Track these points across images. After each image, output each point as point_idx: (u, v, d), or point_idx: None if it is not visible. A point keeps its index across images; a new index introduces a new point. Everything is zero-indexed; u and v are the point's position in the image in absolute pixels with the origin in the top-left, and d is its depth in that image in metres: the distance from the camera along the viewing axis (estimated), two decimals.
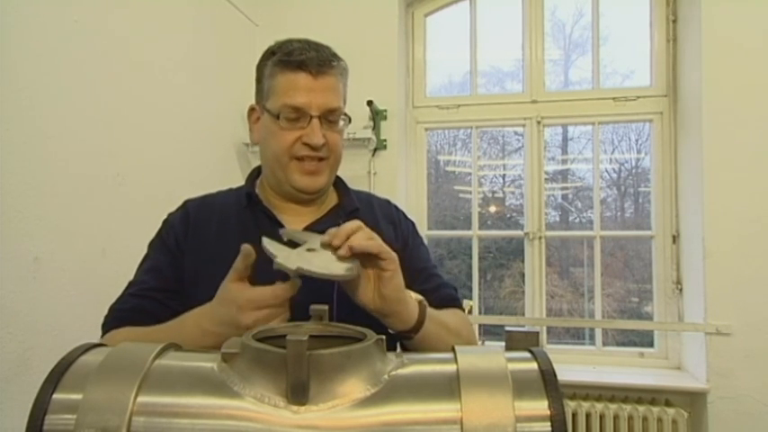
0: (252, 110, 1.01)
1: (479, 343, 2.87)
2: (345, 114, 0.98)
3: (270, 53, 0.96)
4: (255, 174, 1.06)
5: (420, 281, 0.99)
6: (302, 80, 0.91)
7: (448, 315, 0.95)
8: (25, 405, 0.50)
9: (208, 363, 0.54)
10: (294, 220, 0.97)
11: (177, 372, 0.53)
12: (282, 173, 0.95)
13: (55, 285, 1.56)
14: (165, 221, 1.03)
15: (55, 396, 0.50)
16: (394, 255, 0.79)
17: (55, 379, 0.51)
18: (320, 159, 0.94)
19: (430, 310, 0.85)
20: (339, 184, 1.07)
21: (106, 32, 1.78)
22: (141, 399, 0.49)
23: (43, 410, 0.49)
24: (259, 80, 0.98)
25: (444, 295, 1.02)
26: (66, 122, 1.62)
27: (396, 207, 1.13)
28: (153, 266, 0.97)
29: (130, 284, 0.98)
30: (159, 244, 1.00)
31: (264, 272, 0.79)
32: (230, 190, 1.08)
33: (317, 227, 0.95)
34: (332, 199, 1.05)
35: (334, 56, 0.95)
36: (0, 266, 1.40)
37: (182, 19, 2.21)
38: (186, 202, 1.05)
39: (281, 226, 0.96)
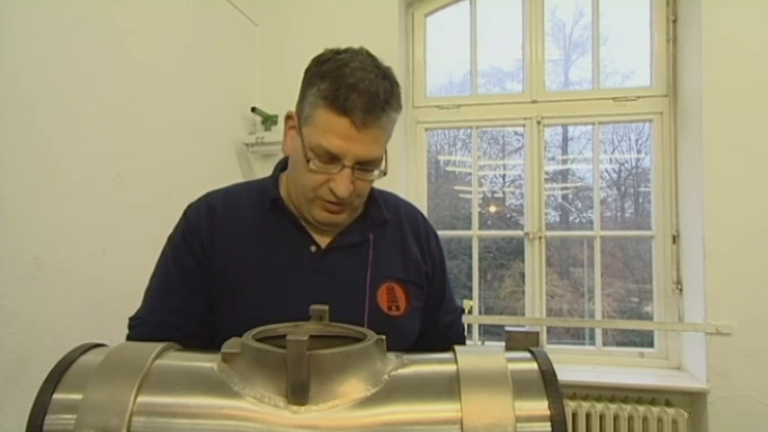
0: (289, 117, 0.91)
1: (479, 343, 2.87)
2: (382, 162, 0.89)
3: (320, 74, 0.84)
4: (280, 167, 0.99)
5: (444, 312, 1.02)
6: (344, 127, 0.81)
7: None
8: (25, 405, 0.50)
9: (208, 363, 0.54)
10: (322, 231, 0.94)
11: (177, 372, 0.53)
12: (305, 205, 0.90)
13: (55, 285, 1.56)
14: (186, 219, 0.94)
15: (55, 396, 0.50)
16: None
17: (55, 379, 0.51)
18: (339, 204, 0.88)
19: None
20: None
21: (106, 32, 1.78)
22: (141, 399, 0.49)
23: (43, 410, 0.49)
24: (302, 92, 0.88)
25: (452, 335, 1.03)
26: (67, 123, 1.62)
27: (423, 219, 1.08)
28: (183, 308, 0.88)
29: (151, 316, 0.88)
30: (183, 251, 0.90)
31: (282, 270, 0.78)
32: (252, 185, 1.00)
33: (345, 238, 0.93)
34: None
35: (387, 102, 0.84)
36: (0, 266, 1.40)
37: (182, 19, 2.21)
38: (208, 197, 0.97)
39: (311, 239, 0.92)
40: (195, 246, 0.90)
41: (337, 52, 0.86)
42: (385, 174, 0.90)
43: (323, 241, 0.93)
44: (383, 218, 0.98)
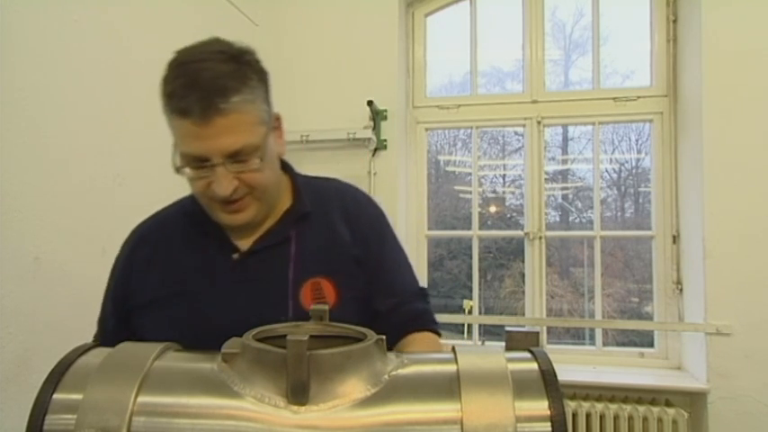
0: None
1: (479, 343, 2.87)
2: (272, 123, 0.86)
3: (163, 80, 0.81)
4: None
5: (383, 296, 0.93)
6: (191, 128, 0.78)
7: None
8: (25, 405, 0.50)
9: (208, 363, 0.54)
10: (243, 234, 0.92)
11: (177, 372, 0.53)
12: (210, 213, 0.88)
13: (55, 285, 1.55)
14: (117, 258, 1.00)
15: (55, 396, 0.50)
16: None
17: (55, 379, 0.51)
18: (237, 201, 0.84)
19: None
20: (293, 178, 0.98)
21: (106, 32, 1.78)
22: (141, 399, 0.49)
23: (43, 410, 0.49)
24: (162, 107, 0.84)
25: (408, 317, 0.94)
26: (66, 122, 1.62)
27: (357, 196, 1.02)
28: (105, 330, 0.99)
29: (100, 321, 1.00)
30: (112, 276, 1.00)
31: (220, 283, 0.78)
32: (179, 204, 1.01)
33: (268, 240, 0.91)
34: (285, 198, 0.96)
35: (229, 87, 0.77)
36: (0, 266, 1.40)
37: (182, 19, 2.21)
38: (134, 234, 1.01)
39: (232, 247, 0.91)
40: (117, 291, 0.97)
41: (181, 51, 0.82)
42: (277, 127, 0.88)
43: (245, 246, 0.91)
44: (303, 210, 0.94)
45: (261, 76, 0.84)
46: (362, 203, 1.01)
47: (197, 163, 0.81)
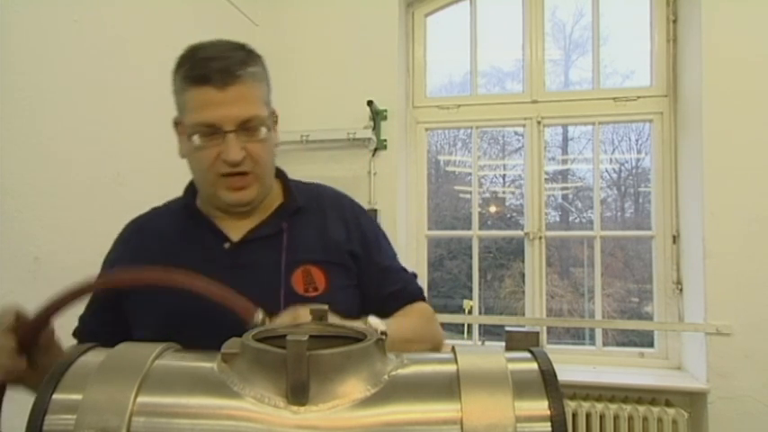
0: (176, 123, 0.97)
1: (479, 343, 2.87)
2: (271, 117, 0.93)
3: (178, 64, 0.91)
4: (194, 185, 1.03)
5: (384, 283, 1.00)
6: (209, 95, 0.85)
7: (410, 322, 0.95)
8: (25, 405, 0.50)
9: (208, 363, 0.54)
10: (236, 226, 0.95)
11: (177, 372, 0.53)
12: (211, 189, 0.92)
13: (55, 285, 1.55)
14: (109, 251, 1.03)
15: (55, 396, 0.50)
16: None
17: (55, 379, 0.51)
18: (245, 173, 0.89)
19: (391, 337, 0.70)
20: (285, 180, 1.03)
21: (106, 32, 1.78)
22: (141, 399, 0.49)
23: (43, 411, 0.49)
24: (174, 93, 0.93)
25: (408, 294, 1.02)
26: (66, 122, 1.62)
27: (349, 202, 1.07)
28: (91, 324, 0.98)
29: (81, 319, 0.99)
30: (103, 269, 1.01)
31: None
32: (173, 202, 1.05)
33: (260, 231, 0.94)
34: (276, 198, 1.00)
35: (244, 61, 0.88)
36: (0, 266, 1.40)
37: (182, 19, 2.21)
38: (129, 226, 1.04)
39: (224, 237, 0.94)
40: (110, 260, 1.00)
41: (191, 46, 0.92)
42: (276, 122, 0.95)
43: (237, 237, 0.94)
44: (296, 206, 0.98)
45: (265, 69, 0.93)
46: (360, 209, 1.07)
47: (208, 131, 0.86)
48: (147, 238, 0.99)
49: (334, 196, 1.06)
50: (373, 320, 0.81)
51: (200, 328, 0.69)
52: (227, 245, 0.94)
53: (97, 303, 0.96)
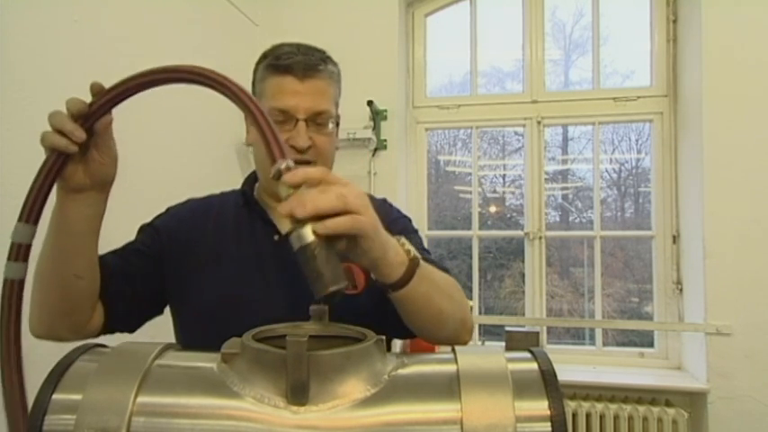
0: None
1: (479, 343, 2.87)
2: (337, 117, 0.98)
3: (263, 56, 0.98)
4: (254, 176, 1.07)
5: None
6: (289, 83, 0.92)
7: (442, 277, 0.89)
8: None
9: (207, 363, 0.54)
10: (288, 221, 0.96)
11: (177, 372, 0.53)
12: (275, 183, 0.93)
13: None
14: (164, 214, 1.06)
15: (55, 396, 0.50)
16: (366, 221, 0.66)
17: (55, 379, 0.51)
18: (308, 163, 0.92)
19: (422, 269, 0.76)
20: None
21: (106, 32, 1.78)
22: (141, 399, 0.49)
23: (43, 411, 0.49)
24: (253, 83, 1.00)
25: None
26: None
27: (391, 205, 1.12)
28: (120, 261, 0.98)
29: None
30: (147, 229, 1.03)
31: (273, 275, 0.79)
32: (233, 191, 1.09)
33: None
34: None
35: (325, 60, 0.96)
36: (0, 266, 1.40)
37: (182, 19, 2.21)
38: (188, 201, 1.08)
39: (274, 227, 0.97)
40: (161, 233, 1.00)
41: (277, 44, 0.98)
42: (338, 124, 0.99)
43: (287, 230, 0.95)
44: None
45: (339, 74, 1.00)
46: (397, 210, 1.11)
47: (282, 118, 0.92)
48: (204, 216, 1.02)
49: (378, 200, 1.09)
50: (407, 243, 0.77)
51: (254, 316, 0.71)
52: (276, 237, 0.97)
53: (143, 253, 0.98)
